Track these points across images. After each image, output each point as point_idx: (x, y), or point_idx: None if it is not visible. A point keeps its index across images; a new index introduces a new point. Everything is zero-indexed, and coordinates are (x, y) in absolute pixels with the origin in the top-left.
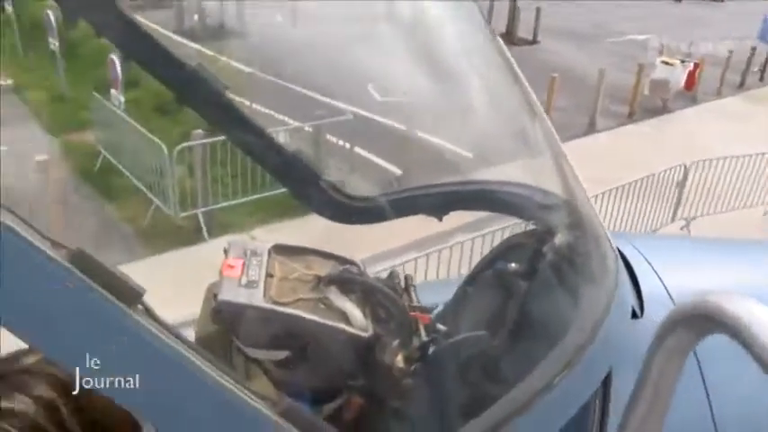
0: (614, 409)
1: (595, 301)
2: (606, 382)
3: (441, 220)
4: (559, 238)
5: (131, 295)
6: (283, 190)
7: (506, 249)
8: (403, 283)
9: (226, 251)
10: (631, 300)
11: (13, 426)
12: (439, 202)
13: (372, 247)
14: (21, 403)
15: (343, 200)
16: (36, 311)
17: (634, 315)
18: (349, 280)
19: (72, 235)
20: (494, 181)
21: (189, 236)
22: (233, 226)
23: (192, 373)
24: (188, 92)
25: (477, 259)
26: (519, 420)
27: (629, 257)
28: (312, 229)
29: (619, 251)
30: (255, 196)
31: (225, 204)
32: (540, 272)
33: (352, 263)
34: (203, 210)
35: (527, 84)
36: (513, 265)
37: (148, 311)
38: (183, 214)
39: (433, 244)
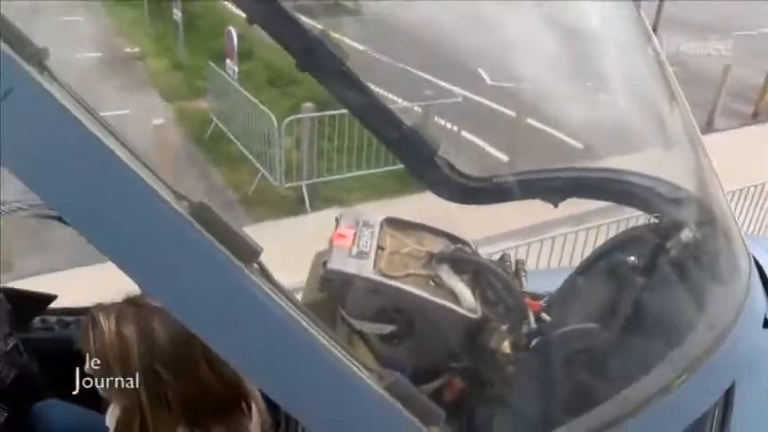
0: (736, 422)
1: (723, 305)
2: (729, 393)
3: (556, 206)
4: (686, 235)
5: (249, 253)
6: (387, 169)
7: (623, 242)
8: (513, 268)
9: (337, 220)
10: (764, 307)
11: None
12: (557, 188)
13: (472, 233)
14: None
15: (457, 178)
16: (154, 258)
17: (766, 324)
18: (462, 259)
19: None
20: (617, 169)
21: (291, 207)
22: (334, 200)
23: (302, 336)
24: (309, 58)
25: (579, 253)
26: (629, 423)
27: (763, 262)
28: (414, 210)
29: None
30: (359, 173)
31: (329, 178)
32: (661, 268)
33: (464, 242)
34: (307, 182)
35: (668, 71)
36: (631, 258)
37: (263, 271)
38: (288, 185)
39: (530, 235)
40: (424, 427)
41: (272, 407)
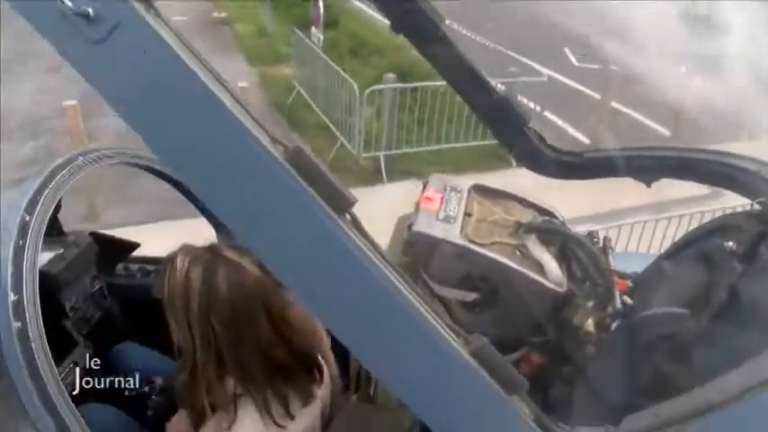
0: None
1: None
2: None
3: (649, 186)
4: None
5: (342, 203)
6: (465, 144)
7: (718, 228)
8: (600, 246)
9: (425, 184)
10: None
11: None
12: (651, 166)
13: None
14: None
15: (547, 151)
16: (246, 201)
17: None
18: (551, 230)
19: None
20: (718, 150)
21: (368, 176)
22: (410, 173)
23: (390, 292)
24: (405, 20)
25: (657, 242)
26: (721, 415)
27: None
28: None
29: None
30: (438, 146)
31: (407, 150)
32: (763, 255)
33: (552, 215)
34: (385, 153)
35: None
36: (729, 243)
37: (356, 223)
38: (366, 155)
39: (606, 221)
40: (506, 395)
41: (343, 371)
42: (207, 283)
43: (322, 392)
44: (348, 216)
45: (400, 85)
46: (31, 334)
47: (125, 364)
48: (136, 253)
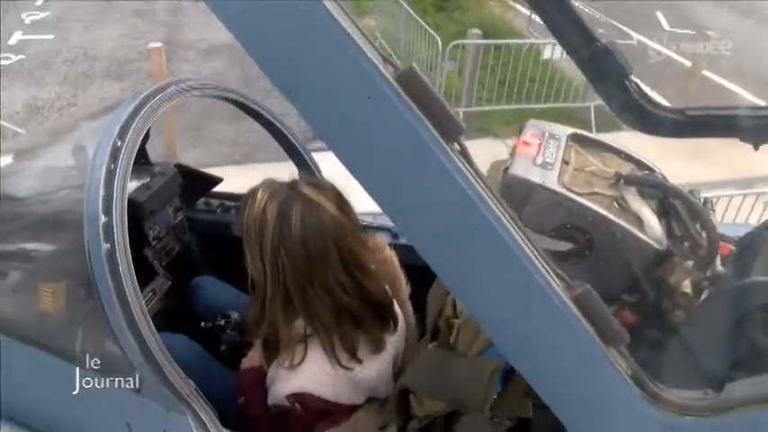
0: None
1: None
2: None
3: (756, 148)
4: None
5: (453, 130)
6: (545, 105)
7: None
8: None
9: (521, 129)
10: None
11: None
12: (761, 127)
13: None
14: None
15: (648, 106)
16: (352, 122)
17: None
18: (653, 184)
19: None
20: None
21: None
22: (488, 131)
23: (495, 227)
24: None
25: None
26: None
27: None
28: None
29: None
30: (518, 106)
31: (487, 108)
32: None
33: (652, 170)
34: (465, 110)
35: None
36: None
37: (464, 152)
38: None
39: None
40: (603, 346)
41: (419, 321)
42: (281, 217)
43: (395, 340)
44: (457, 145)
45: (484, 41)
46: (118, 257)
47: (202, 297)
48: (218, 189)
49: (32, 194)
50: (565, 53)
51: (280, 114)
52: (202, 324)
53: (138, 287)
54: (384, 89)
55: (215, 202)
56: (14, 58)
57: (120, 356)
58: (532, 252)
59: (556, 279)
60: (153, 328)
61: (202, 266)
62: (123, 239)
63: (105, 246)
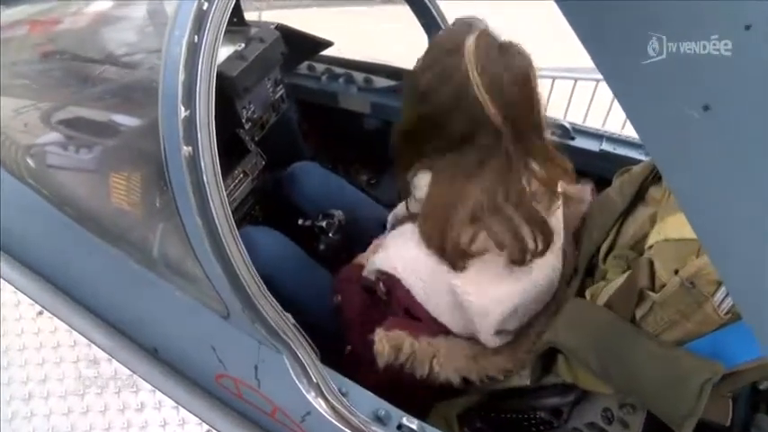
0: None
1: None
2: None
3: None
4: None
5: None
6: None
7: None
8: None
9: None
10: None
11: None
12: None
13: None
14: None
15: None
16: None
17: None
18: None
19: None
20: None
21: None
22: None
23: None
24: None
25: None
26: None
27: None
28: None
29: None
30: None
31: None
32: None
33: None
34: None
35: None
36: None
37: None
38: None
39: None
40: None
41: None
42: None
43: (541, 264)
44: None
45: None
46: (203, 163)
47: (301, 186)
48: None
49: (104, 54)
50: None
51: None
52: (299, 222)
53: (226, 202)
54: None
55: (320, 66)
56: None
57: (204, 281)
58: None
59: None
60: (246, 255)
61: (301, 141)
62: (209, 140)
63: (186, 149)
